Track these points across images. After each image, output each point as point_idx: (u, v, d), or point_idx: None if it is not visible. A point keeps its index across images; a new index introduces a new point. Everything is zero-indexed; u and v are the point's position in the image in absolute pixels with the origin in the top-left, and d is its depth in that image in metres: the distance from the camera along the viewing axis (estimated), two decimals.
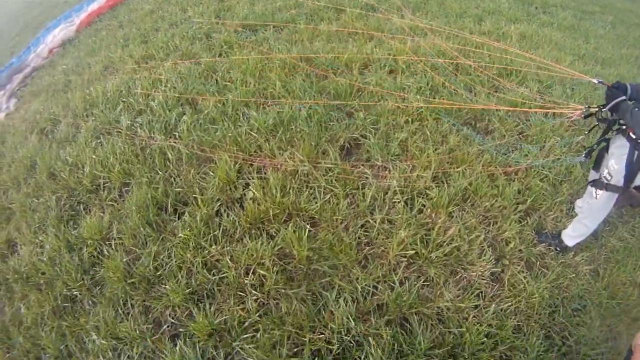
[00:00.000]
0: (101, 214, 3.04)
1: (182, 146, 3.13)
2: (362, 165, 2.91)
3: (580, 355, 2.35)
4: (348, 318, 2.34)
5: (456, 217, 2.82)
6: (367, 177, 2.87)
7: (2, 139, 4.73)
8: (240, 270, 2.48)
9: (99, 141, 3.56)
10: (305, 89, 3.33)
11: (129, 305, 2.52)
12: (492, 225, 2.85)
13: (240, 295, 2.43)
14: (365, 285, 2.47)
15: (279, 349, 2.21)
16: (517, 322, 2.41)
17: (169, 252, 2.67)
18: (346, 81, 3.37)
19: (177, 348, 2.25)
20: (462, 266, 2.66)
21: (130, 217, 2.89)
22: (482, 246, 2.73)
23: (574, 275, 2.64)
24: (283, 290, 2.38)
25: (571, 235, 2.67)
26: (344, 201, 2.73)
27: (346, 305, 2.37)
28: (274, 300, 2.40)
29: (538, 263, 2.72)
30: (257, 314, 2.33)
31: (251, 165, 2.92)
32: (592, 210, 2.53)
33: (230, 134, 3.08)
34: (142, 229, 2.78)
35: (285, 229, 2.58)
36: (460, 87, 3.52)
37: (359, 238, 2.64)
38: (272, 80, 3.46)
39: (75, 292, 2.67)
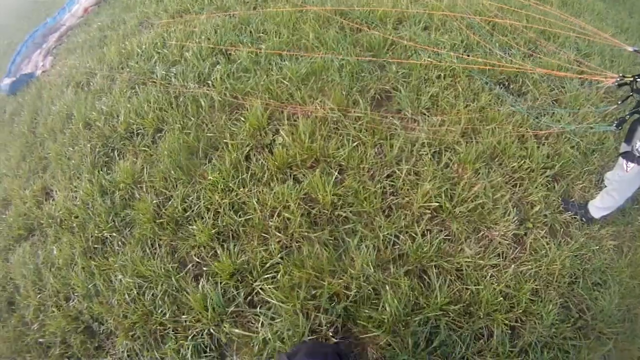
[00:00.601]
0: (134, 159, 2.74)
1: (215, 94, 2.76)
2: (392, 116, 2.54)
3: (595, 331, 2.02)
4: (368, 265, 2.04)
5: (482, 174, 2.41)
6: (395, 128, 2.46)
7: (39, 94, 4.40)
8: (266, 212, 2.17)
9: (133, 91, 3.20)
10: (339, 41, 2.90)
11: (156, 246, 2.27)
12: (518, 187, 2.41)
13: (264, 236, 2.13)
14: (387, 234, 2.15)
15: (297, 291, 1.95)
16: (536, 286, 2.05)
17: (197, 194, 2.37)
18: (380, 34, 2.93)
19: (200, 286, 2.01)
20: (485, 224, 2.27)
21: (162, 161, 2.58)
22: (507, 206, 2.29)
23: (597, 248, 2.24)
24: (306, 234, 2.06)
25: (598, 207, 2.26)
26: (371, 150, 2.35)
27: (367, 252, 2.11)
28: (297, 243, 2.08)
29: (562, 231, 2.31)
30: (279, 256, 2.04)
31: (282, 112, 2.59)
32: (621, 183, 2.11)
33: (262, 82, 2.69)
34: (172, 172, 2.48)
35: (312, 174, 2.29)
36: (495, 47, 3.01)
37: (384, 187, 2.27)
38: (306, 32, 3.02)
39: (105, 234, 2.44)
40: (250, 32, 3.26)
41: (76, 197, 2.71)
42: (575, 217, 2.38)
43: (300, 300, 1.92)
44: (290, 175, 2.32)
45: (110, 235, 2.42)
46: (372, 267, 2.02)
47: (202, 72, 2.99)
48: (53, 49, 5.80)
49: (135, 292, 2.09)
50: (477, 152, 2.45)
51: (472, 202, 2.31)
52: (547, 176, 2.49)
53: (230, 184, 2.32)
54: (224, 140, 2.53)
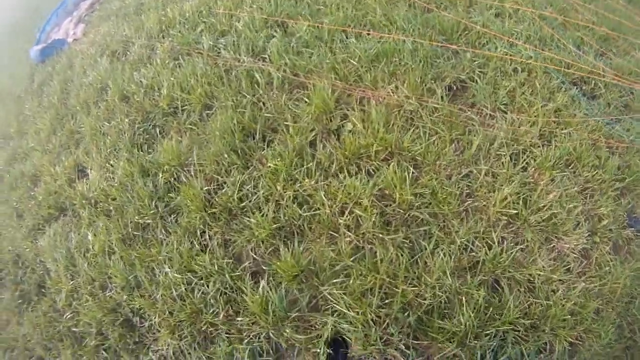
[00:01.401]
0: (179, 138, 2.16)
1: (272, 69, 2.15)
2: (470, 110, 1.97)
3: None
4: (445, 272, 1.63)
5: (557, 181, 1.96)
6: (473, 124, 1.94)
7: (70, 63, 3.61)
8: (335, 208, 1.68)
9: (177, 62, 2.54)
10: (409, 20, 2.26)
11: (207, 238, 1.77)
12: (590, 198, 1.98)
13: (332, 235, 1.66)
14: (464, 240, 1.72)
15: (370, 298, 1.52)
16: (599, 305, 1.69)
17: (255, 183, 1.85)
18: (452, 17, 2.28)
19: (260, 287, 1.56)
20: (557, 235, 1.83)
21: (213, 142, 2.02)
22: (579, 218, 1.88)
23: None
24: (380, 235, 1.61)
25: None
26: (450, 146, 1.86)
27: (444, 259, 1.66)
28: (369, 244, 1.63)
29: (625, 248, 1.90)
30: (351, 258, 1.59)
31: (349, 95, 2.01)
32: None
33: (328, 60, 2.08)
34: (226, 155, 1.93)
35: (387, 168, 1.76)
36: (569, 42, 2.39)
37: (461, 188, 1.83)
38: (372, 7, 2.36)
39: (147, 220, 1.93)
40: (308, 3, 2.53)
41: (113, 178, 2.17)
42: (637, 234, 1.96)
43: (373, 308, 1.47)
44: (362, 168, 1.79)
45: (153, 222, 1.91)
46: (449, 276, 1.56)
47: (255, 45, 2.33)
48: (85, 17, 4.90)
49: (183, 288, 1.63)
50: (554, 157, 1.92)
51: (548, 210, 1.83)
52: (616, 189, 2.01)
53: (294, 173, 1.77)
54: (285, 123, 1.96)
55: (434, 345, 1.48)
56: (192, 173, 1.94)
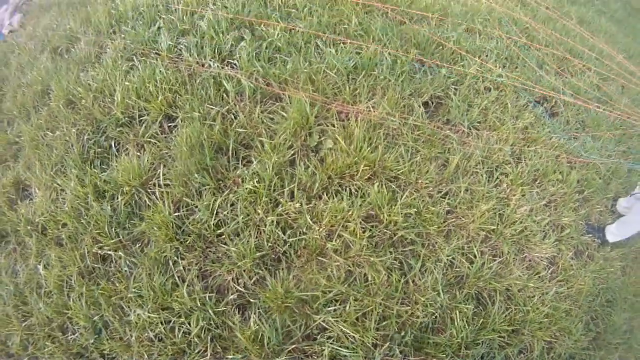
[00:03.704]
0: (138, 154, 2.19)
1: (243, 77, 2.32)
2: (450, 128, 2.39)
3: (605, 342, 2.31)
4: (436, 290, 1.98)
5: (527, 197, 2.49)
6: (452, 142, 2.37)
7: (5, 59, 3.43)
8: (322, 232, 1.91)
9: (131, 63, 2.56)
10: (386, 31, 2.64)
11: (181, 270, 1.87)
12: (554, 210, 2.55)
13: (320, 260, 1.90)
14: (447, 256, 2.10)
15: (366, 322, 1.79)
16: (569, 306, 2.24)
17: (232, 206, 1.99)
18: (426, 32, 2.72)
19: (251, 321, 1.72)
20: (528, 246, 2.36)
21: (180, 159, 2.09)
22: (546, 229, 2.44)
23: (612, 269, 2.50)
24: (371, 258, 1.91)
25: (614, 233, 2.53)
26: (431, 164, 2.24)
27: (432, 277, 2.00)
28: (358, 268, 1.91)
29: (586, 252, 2.54)
30: (344, 284, 1.84)
31: (327, 110, 2.29)
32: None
33: (305, 70, 2.34)
34: (196, 175, 2.03)
35: (371, 188, 2.06)
36: (532, 61, 3.03)
37: (442, 207, 2.21)
38: (346, 15, 2.69)
39: (108, 251, 1.95)
40: (278, 4, 2.78)
41: (63, 200, 2.13)
42: (593, 240, 2.60)
43: (370, 332, 1.75)
44: (345, 188, 2.07)
45: (114, 253, 1.94)
46: (441, 292, 1.93)
47: (222, 48, 2.48)
48: (22, 5, 4.71)
49: (161, 328, 1.69)
50: (524, 174, 2.45)
51: (521, 224, 2.33)
52: (576, 200, 2.62)
53: (275, 195, 1.97)
54: (259, 139, 2.15)
55: (428, 359, 1.80)
56: (157, 195, 2.01)
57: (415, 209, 2.07)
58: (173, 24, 2.66)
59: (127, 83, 2.34)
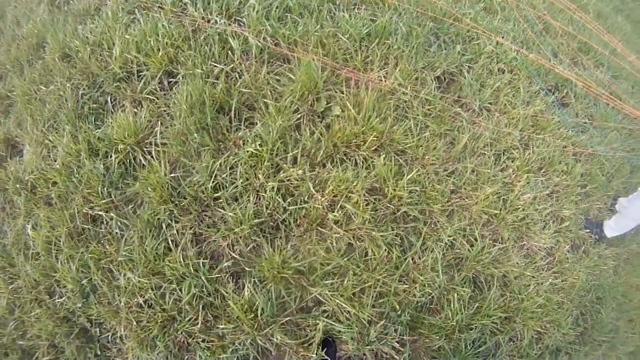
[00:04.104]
0: (135, 110, 2.06)
1: (251, 36, 2.17)
2: (460, 106, 2.31)
3: (591, 338, 2.35)
4: (432, 270, 1.94)
5: (531, 184, 2.45)
6: (462, 120, 2.30)
7: (1, 12, 3.22)
8: (324, 202, 1.83)
9: (132, 17, 2.38)
10: (402, 0, 2.50)
11: (175, 233, 1.77)
12: (556, 201, 2.52)
13: (320, 231, 1.82)
14: (449, 237, 2.05)
15: (363, 298, 1.74)
16: (561, 298, 2.25)
17: (231, 170, 1.88)
18: (443, 5, 2.60)
19: (245, 291, 1.65)
20: (528, 234, 2.34)
21: (179, 117, 1.97)
22: (547, 219, 2.41)
23: (604, 267, 2.52)
24: (372, 233, 1.84)
25: (612, 228, 2.53)
26: (440, 141, 2.16)
27: (431, 256, 1.96)
28: (359, 241, 1.84)
29: (582, 247, 2.53)
30: (343, 257, 1.78)
31: (337, 75, 2.17)
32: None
33: (316, 33, 2.19)
34: (195, 134, 1.91)
35: (377, 160, 1.98)
36: (547, 49, 2.95)
37: (447, 185, 2.14)
38: None
39: (99, 212, 1.84)
40: None
41: (54, 157, 2.00)
42: (590, 235, 2.59)
43: (367, 308, 1.70)
44: (350, 158, 1.98)
45: (106, 214, 1.82)
46: (440, 273, 1.88)
47: (230, 4, 2.30)
48: None
49: (151, 294, 1.61)
50: (530, 160, 2.41)
51: (523, 211, 2.30)
52: (578, 194, 2.60)
53: (278, 160, 1.87)
54: (264, 100, 2.02)
55: (421, 339, 1.78)
56: (153, 154, 1.88)
57: (420, 186, 2.00)
58: None
59: (127, 37, 2.17)
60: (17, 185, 2.04)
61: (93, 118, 2.10)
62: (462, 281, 2.01)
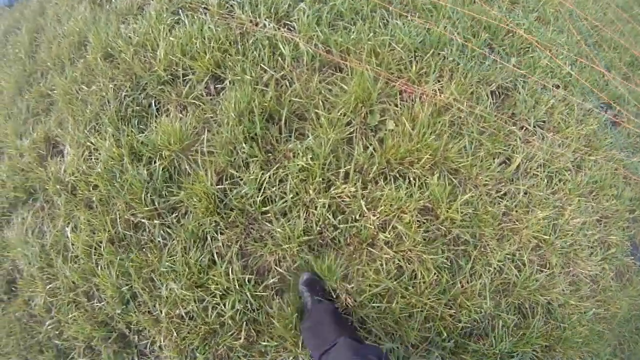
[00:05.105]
0: (180, 115, 2.02)
1: (302, 42, 2.10)
2: (514, 123, 2.22)
3: None
4: (480, 295, 1.89)
5: (582, 209, 2.36)
6: (515, 139, 2.22)
7: (42, 9, 3.21)
8: (375, 221, 1.79)
9: (177, 18, 2.33)
10: (455, 9, 2.40)
11: (220, 247, 1.74)
12: (604, 226, 2.45)
13: (370, 252, 1.78)
14: (499, 262, 1.99)
15: (410, 322, 1.71)
16: (603, 328, 2.19)
17: (281, 183, 1.84)
18: (496, 14, 2.49)
19: (290, 308, 1.62)
20: (576, 261, 2.27)
21: (226, 125, 1.92)
22: (594, 246, 2.35)
23: None
24: (423, 255, 1.80)
25: None
26: (494, 161, 2.09)
27: (480, 281, 1.91)
28: (408, 264, 1.81)
29: (627, 275, 2.45)
30: (392, 280, 1.73)
31: (391, 87, 2.10)
32: None
33: (370, 41, 2.12)
34: (243, 144, 1.86)
35: (430, 179, 1.91)
36: (601, 63, 2.82)
37: (500, 208, 2.08)
38: None
39: (141, 219, 1.82)
40: None
41: (96, 160, 1.98)
42: (634, 263, 2.50)
43: (414, 331, 1.67)
44: (403, 176, 1.91)
45: (148, 222, 1.80)
46: (488, 299, 1.83)
47: (278, 8, 2.23)
48: None
49: (194, 306, 1.60)
50: (582, 184, 2.32)
51: (572, 236, 2.22)
52: (626, 219, 2.51)
53: (329, 175, 1.82)
54: (316, 111, 1.96)
55: None
56: (199, 163, 1.85)
57: (473, 207, 1.94)
58: None
59: (171, 38, 2.12)
60: (58, 186, 2.04)
61: (136, 121, 2.07)
62: (507, 307, 1.97)
